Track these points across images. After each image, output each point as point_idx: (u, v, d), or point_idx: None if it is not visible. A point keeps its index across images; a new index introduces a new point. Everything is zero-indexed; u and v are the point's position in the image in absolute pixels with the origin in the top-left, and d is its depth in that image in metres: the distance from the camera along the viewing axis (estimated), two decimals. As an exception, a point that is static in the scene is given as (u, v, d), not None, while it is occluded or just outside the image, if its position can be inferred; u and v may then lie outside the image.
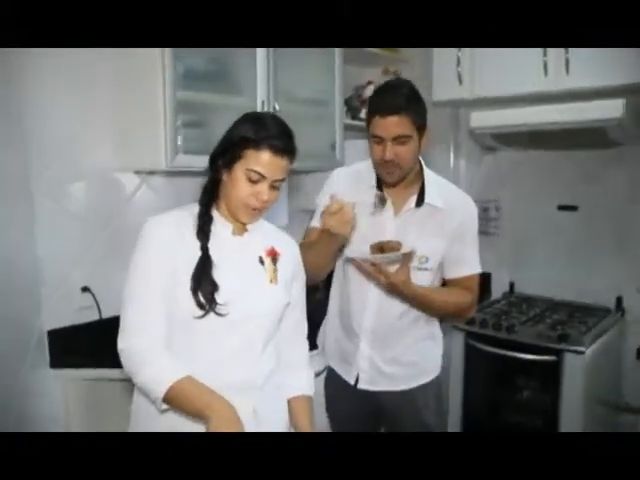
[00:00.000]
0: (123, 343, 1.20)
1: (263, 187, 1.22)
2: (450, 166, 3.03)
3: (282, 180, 1.26)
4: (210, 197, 1.29)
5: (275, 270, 1.31)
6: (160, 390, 1.13)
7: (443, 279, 1.74)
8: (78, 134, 1.92)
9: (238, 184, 1.22)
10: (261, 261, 1.31)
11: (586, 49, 2.09)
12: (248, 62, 2.10)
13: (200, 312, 1.19)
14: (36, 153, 1.81)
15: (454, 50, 2.48)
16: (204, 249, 1.23)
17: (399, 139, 1.49)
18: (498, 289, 2.95)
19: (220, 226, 1.29)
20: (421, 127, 1.53)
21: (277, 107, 2.17)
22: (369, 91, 2.66)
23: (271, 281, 1.31)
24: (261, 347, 1.29)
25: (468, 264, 1.70)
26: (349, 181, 1.69)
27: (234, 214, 1.28)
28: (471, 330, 2.43)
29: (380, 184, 1.65)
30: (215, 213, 1.29)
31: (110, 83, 1.96)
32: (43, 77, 1.81)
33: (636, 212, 2.49)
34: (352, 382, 1.73)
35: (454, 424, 2.51)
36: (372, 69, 2.95)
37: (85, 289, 1.94)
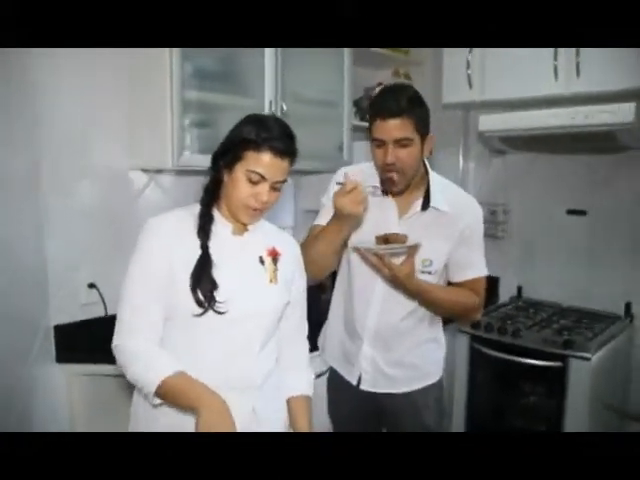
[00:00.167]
0: (117, 340, 1.22)
1: (263, 188, 1.23)
2: (459, 169, 3.02)
3: (283, 181, 1.26)
4: (211, 197, 1.30)
5: (275, 270, 1.32)
6: (152, 384, 1.15)
7: (448, 282, 1.73)
8: (87, 133, 1.94)
9: (238, 185, 1.23)
10: (261, 261, 1.32)
11: (597, 53, 2.09)
12: (256, 62, 2.11)
13: (199, 310, 1.21)
14: (45, 151, 1.83)
15: (464, 53, 2.47)
16: (204, 248, 1.24)
17: (400, 142, 1.49)
18: (506, 293, 2.94)
19: (220, 226, 1.30)
20: (423, 131, 1.53)
21: (284, 107, 2.18)
22: (378, 93, 2.66)
23: (271, 281, 1.31)
24: (260, 346, 1.29)
25: (474, 267, 1.69)
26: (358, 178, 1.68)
27: (234, 214, 1.28)
28: (476, 334, 2.42)
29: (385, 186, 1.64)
30: (216, 213, 1.30)
31: (120, 83, 1.98)
32: (55, 77, 1.84)
33: (646, 217, 2.47)
34: (354, 383, 1.73)
35: (458, 428, 2.50)
36: (382, 71, 2.95)
37: (91, 285, 1.96)
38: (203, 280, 1.21)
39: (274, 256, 1.33)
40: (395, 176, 1.53)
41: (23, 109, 1.76)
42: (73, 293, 1.93)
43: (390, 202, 1.63)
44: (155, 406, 1.20)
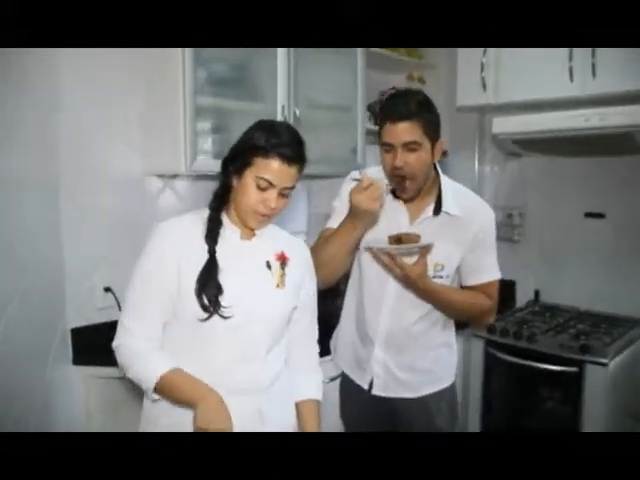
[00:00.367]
0: (116, 341, 1.26)
1: (272, 194, 1.24)
2: (475, 172, 3.01)
3: (291, 188, 1.27)
4: (220, 202, 1.32)
5: (283, 275, 1.33)
6: (151, 380, 1.20)
7: (461, 286, 1.72)
8: (103, 139, 1.98)
9: (247, 190, 1.24)
10: (268, 265, 1.33)
11: (613, 54, 2.07)
12: (268, 68, 2.14)
13: (204, 314, 1.22)
14: (62, 157, 1.88)
15: (478, 56, 2.46)
16: (211, 252, 1.26)
17: (409, 146, 1.49)
18: (523, 297, 2.91)
19: (229, 230, 1.31)
20: (433, 136, 1.53)
21: (297, 113, 2.20)
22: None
23: (278, 285, 1.32)
24: (266, 350, 1.31)
25: (487, 270, 1.68)
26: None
27: (243, 219, 1.30)
28: (491, 338, 2.39)
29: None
30: (225, 218, 1.32)
31: (134, 89, 2.02)
32: (71, 84, 1.88)
33: (666, 220, 2.43)
34: (366, 387, 1.73)
35: (473, 433, 2.48)
36: (396, 75, 2.95)
37: (107, 289, 2.00)
38: (209, 285, 1.23)
39: (282, 261, 1.34)
40: (405, 182, 1.53)
41: (40, 115, 1.80)
42: (89, 297, 1.97)
43: (401, 207, 1.63)
44: (154, 401, 1.24)
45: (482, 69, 2.45)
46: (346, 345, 1.79)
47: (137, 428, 1.37)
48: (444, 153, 2.99)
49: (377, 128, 2.56)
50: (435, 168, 1.64)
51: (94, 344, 1.93)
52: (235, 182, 1.28)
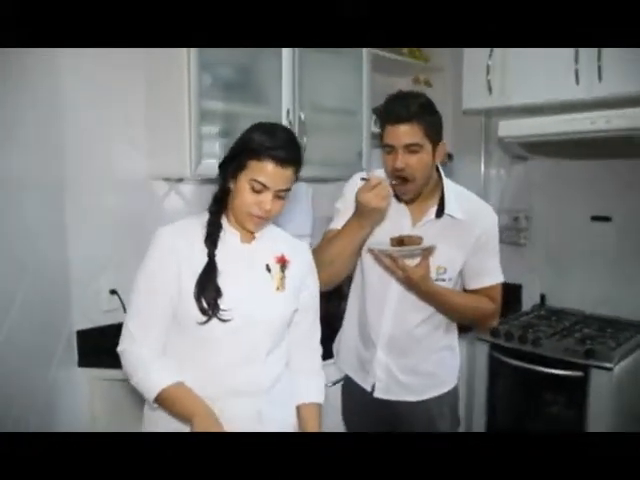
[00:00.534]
0: (122, 346, 1.28)
1: (267, 197, 1.25)
2: (480, 175, 3.00)
3: (287, 190, 1.28)
4: (219, 205, 1.33)
5: (283, 277, 1.34)
6: (151, 393, 1.22)
7: (464, 290, 1.72)
8: (108, 140, 2.00)
9: (242, 193, 1.25)
10: (268, 268, 1.33)
11: (619, 56, 2.06)
12: (273, 72, 2.14)
13: (203, 318, 1.23)
14: (70, 159, 1.89)
15: (484, 59, 2.46)
16: (210, 256, 1.27)
17: (410, 148, 1.49)
18: (529, 301, 2.90)
19: (229, 234, 1.32)
20: (434, 138, 1.53)
21: (302, 116, 2.20)
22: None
23: (278, 288, 1.33)
24: (266, 352, 1.31)
25: (490, 274, 1.68)
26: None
27: (240, 222, 1.31)
28: (496, 342, 2.39)
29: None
30: (224, 221, 1.33)
31: (139, 92, 2.03)
32: (77, 88, 1.90)
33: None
34: (369, 389, 1.73)
35: (478, 437, 2.47)
36: (402, 78, 2.95)
37: (113, 292, 2.01)
38: (207, 288, 1.24)
39: (282, 263, 1.34)
40: (405, 184, 1.53)
41: (42, 116, 1.81)
42: (95, 299, 1.99)
43: (404, 209, 1.64)
44: (154, 409, 1.26)
45: (488, 72, 2.45)
46: (349, 348, 1.80)
47: (141, 430, 1.39)
48: (449, 156, 3.01)
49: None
50: (438, 170, 1.64)
51: (99, 346, 1.94)
52: (232, 185, 1.29)
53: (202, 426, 1.18)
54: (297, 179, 1.31)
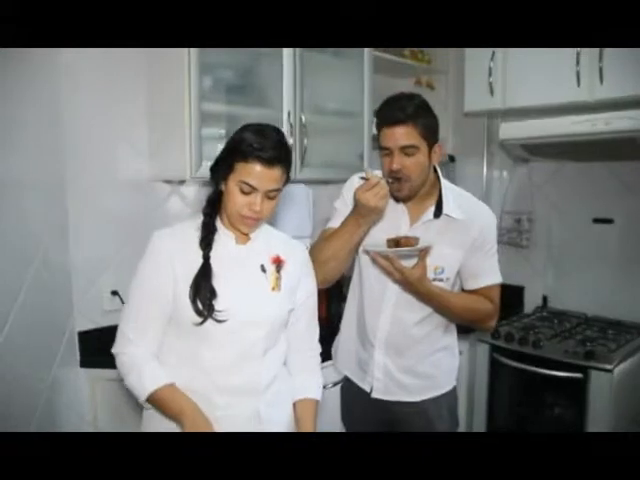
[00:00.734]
0: (116, 349, 1.31)
1: (256, 198, 1.25)
2: (483, 177, 3.01)
3: (277, 190, 1.27)
4: (213, 208, 1.34)
5: (278, 278, 1.34)
6: (142, 395, 1.26)
7: (462, 290, 1.72)
8: (112, 142, 2.02)
9: (232, 196, 1.26)
10: (263, 269, 1.34)
11: (620, 58, 2.07)
12: (274, 74, 2.15)
13: (199, 319, 1.25)
14: (72, 160, 1.91)
15: (486, 61, 2.47)
16: (205, 258, 1.28)
17: (406, 149, 1.50)
18: (531, 303, 2.89)
19: (223, 236, 1.33)
20: (431, 139, 1.53)
21: (303, 119, 2.21)
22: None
23: (273, 288, 1.34)
24: (262, 352, 1.32)
25: (488, 274, 1.68)
26: None
27: (233, 224, 1.32)
28: (496, 344, 2.39)
29: None
30: (219, 223, 1.34)
31: (140, 94, 2.05)
32: (78, 90, 1.92)
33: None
34: (367, 390, 1.73)
35: (479, 439, 2.47)
36: (404, 80, 2.95)
37: (114, 293, 2.03)
38: (202, 290, 1.25)
39: (278, 264, 1.35)
40: (400, 183, 1.54)
41: (48, 120, 1.83)
42: (97, 300, 2.01)
43: (402, 209, 1.64)
44: (147, 410, 1.28)
45: (490, 74, 2.46)
46: (347, 349, 1.80)
47: (140, 429, 1.40)
48: (451, 158, 3.02)
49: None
50: (435, 171, 1.65)
51: (101, 347, 1.94)
52: (223, 187, 1.29)
53: (190, 424, 1.21)
54: (288, 179, 1.32)
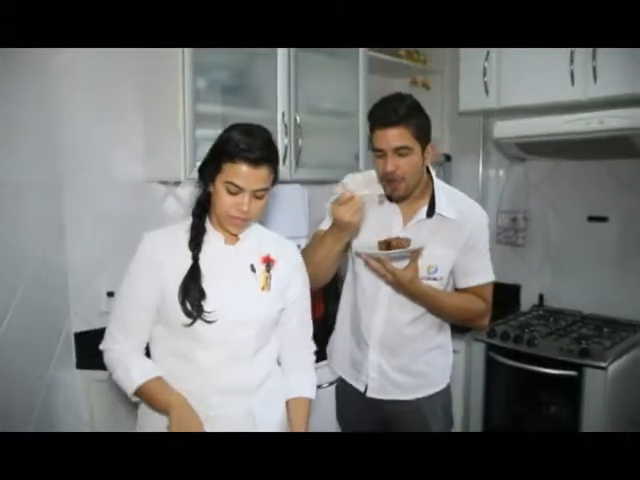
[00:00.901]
0: (103, 346, 1.33)
1: (243, 198, 1.25)
2: (479, 176, 3.01)
3: (264, 189, 1.27)
4: (202, 209, 1.34)
5: (268, 277, 1.35)
6: (129, 389, 1.28)
7: (455, 289, 1.73)
8: (108, 144, 2.02)
9: (220, 196, 1.26)
10: (252, 269, 1.35)
11: (614, 57, 2.08)
12: (269, 75, 2.15)
13: (188, 320, 1.25)
14: (68, 161, 1.92)
15: (481, 60, 2.48)
16: (195, 259, 1.28)
17: (399, 150, 1.50)
18: (528, 301, 2.90)
19: (213, 237, 1.34)
20: (423, 140, 1.54)
21: (298, 119, 2.22)
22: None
23: (263, 288, 1.34)
24: (253, 352, 1.33)
25: (480, 273, 1.69)
26: (360, 186, 1.69)
27: (221, 225, 1.32)
28: (492, 342, 2.40)
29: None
30: (208, 224, 1.35)
31: (138, 95, 2.06)
32: (74, 93, 1.93)
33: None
34: (362, 390, 1.74)
35: (475, 437, 2.48)
36: (400, 80, 2.96)
37: (110, 294, 2.03)
38: (191, 291, 1.26)
39: (268, 263, 1.36)
40: (395, 183, 1.54)
41: (43, 121, 1.83)
42: (93, 301, 2.01)
43: (395, 209, 1.65)
44: (141, 409, 1.30)
45: (484, 74, 2.47)
46: (341, 349, 1.81)
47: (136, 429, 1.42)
48: (447, 157, 3.02)
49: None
50: (428, 171, 1.66)
51: (97, 348, 1.97)
52: (211, 188, 1.29)
53: (178, 417, 1.22)
54: (277, 178, 1.32)
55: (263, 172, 1.25)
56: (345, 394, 1.82)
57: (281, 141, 2.17)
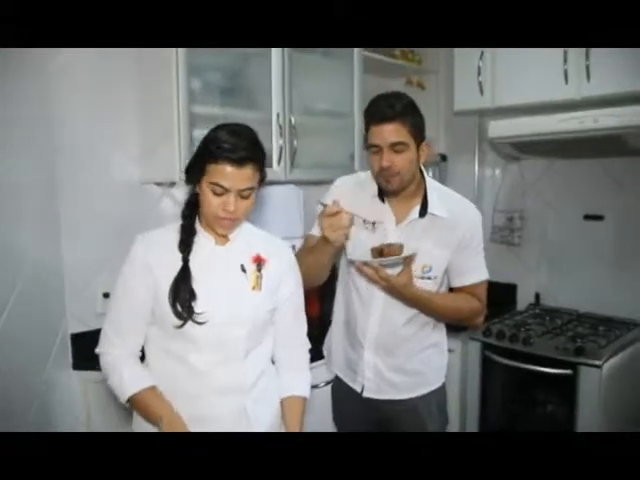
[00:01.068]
0: (99, 349, 1.34)
1: (229, 198, 1.24)
2: (474, 175, 3.02)
3: (250, 189, 1.27)
4: (192, 210, 1.34)
5: (259, 277, 1.35)
6: (123, 396, 1.29)
7: (450, 288, 1.74)
8: (103, 145, 2.03)
9: (206, 197, 1.26)
10: (243, 269, 1.35)
11: (607, 56, 2.08)
12: (263, 76, 2.16)
13: (179, 322, 1.26)
14: (64, 163, 1.92)
15: (475, 60, 2.48)
16: (185, 261, 1.29)
17: (395, 146, 1.51)
18: (524, 300, 2.91)
19: (203, 238, 1.34)
20: (418, 137, 1.55)
21: (293, 120, 2.22)
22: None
23: (254, 288, 1.34)
24: (245, 351, 1.33)
25: (474, 272, 1.69)
26: (351, 190, 1.71)
27: (210, 225, 1.32)
28: (488, 341, 2.40)
29: (382, 194, 1.66)
30: (198, 226, 1.35)
31: (133, 96, 2.06)
32: (70, 94, 1.93)
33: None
34: (358, 390, 1.75)
35: (472, 435, 2.48)
36: (395, 80, 2.97)
37: (106, 295, 2.03)
38: (182, 292, 1.26)
39: (258, 263, 1.35)
40: (391, 177, 1.55)
41: (39, 122, 1.83)
42: (89, 302, 2.01)
43: (387, 209, 1.65)
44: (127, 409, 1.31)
45: (479, 73, 2.48)
46: (337, 349, 1.82)
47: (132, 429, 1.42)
48: (443, 157, 3.03)
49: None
50: (421, 171, 1.66)
51: (94, 350, 1.97)
52: (198, 190, 1.29)
53: (169, 428, 1.23)
54: (263, 177, 1.31)
55: (248, 172, 1.24)
56: (341, 394, 1.82)
57: (276, 142, 2.17)
